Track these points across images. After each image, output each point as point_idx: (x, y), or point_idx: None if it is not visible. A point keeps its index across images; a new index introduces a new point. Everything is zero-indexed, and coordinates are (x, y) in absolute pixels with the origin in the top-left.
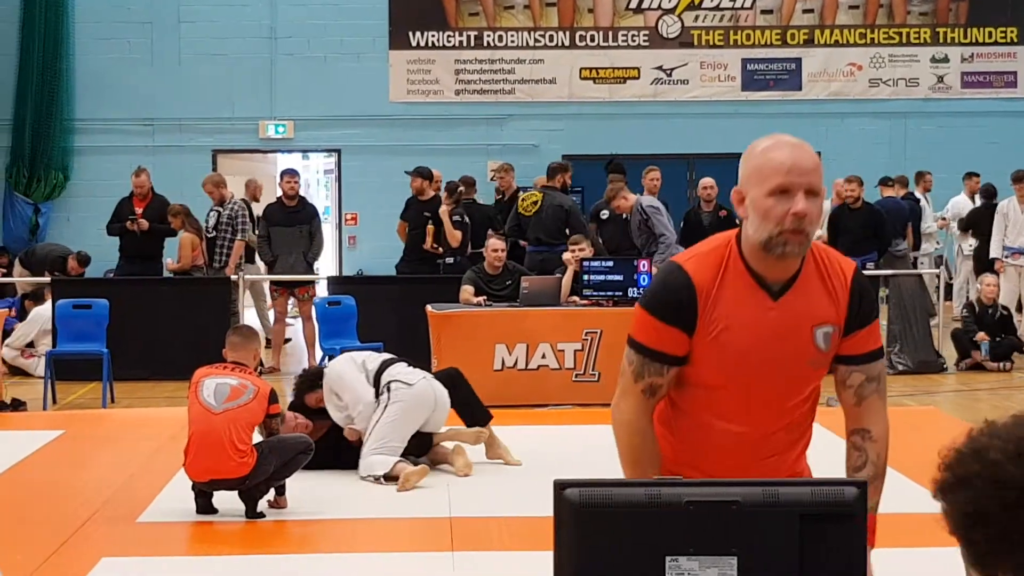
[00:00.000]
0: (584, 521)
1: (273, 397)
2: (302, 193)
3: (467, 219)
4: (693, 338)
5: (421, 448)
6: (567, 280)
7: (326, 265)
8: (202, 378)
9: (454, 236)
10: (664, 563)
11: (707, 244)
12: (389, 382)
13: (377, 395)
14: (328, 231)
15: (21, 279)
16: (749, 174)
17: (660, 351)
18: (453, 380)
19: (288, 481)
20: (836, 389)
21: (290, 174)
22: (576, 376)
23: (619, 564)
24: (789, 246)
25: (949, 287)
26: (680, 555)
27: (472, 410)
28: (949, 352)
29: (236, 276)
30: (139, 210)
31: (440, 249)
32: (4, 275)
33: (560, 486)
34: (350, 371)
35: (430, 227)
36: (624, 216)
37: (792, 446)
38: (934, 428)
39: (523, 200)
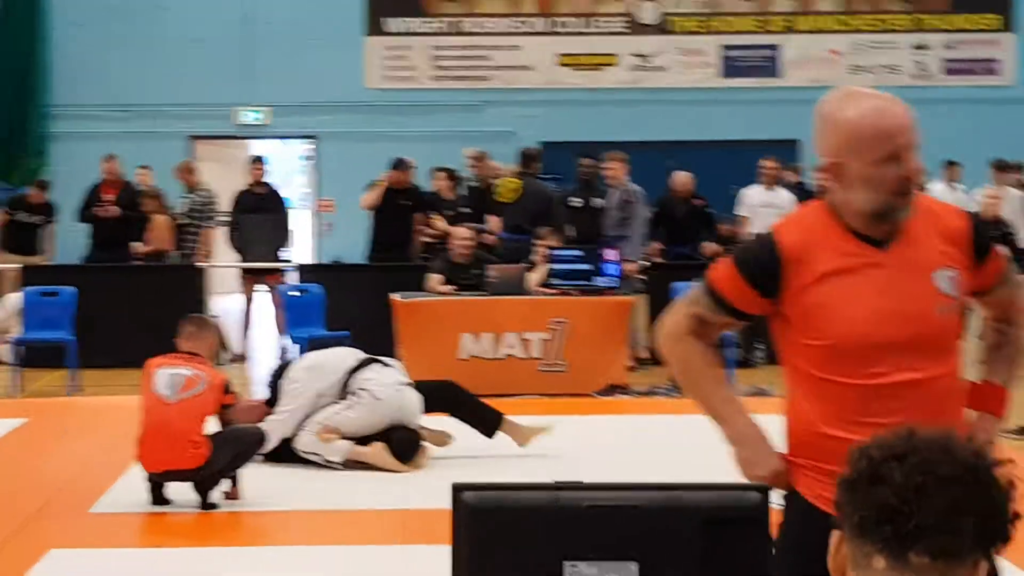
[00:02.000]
0: (482, 524)
1: (227, 387)
2: (280, 180)
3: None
4: (784, 299)
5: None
6: (538, 276)
7: (302, 252)
8: (155, 368)
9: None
10: (562, 568)
11: (799, 211)
12: (358, 388)
13: (343, 396)
14: (305, 218)
15: None
16: (842, 143)
17: (723, 296)
18: (455, 398)
19: (243, 472)
20: (994, 312)
21: (257, 161)
22: (542, 366)
23: (517, 568)
24: (901, 211)
25: None
26: (579, 559)
27: (481, 417)
28: None
29: (204, 264)
30: (109, 197)
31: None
32: None
33: (458, 488)
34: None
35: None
36: (599, 206)
37: (940, 416)
38: None
39: (501, 186)
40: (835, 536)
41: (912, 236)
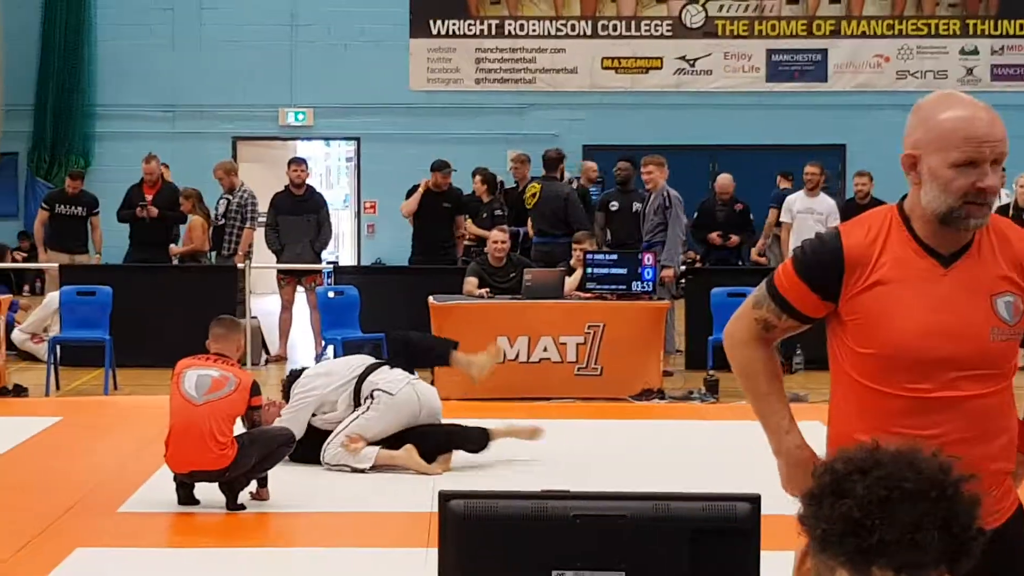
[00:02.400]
0: (469, 533)
1: (255, 389)
2: (322, 181)
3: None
4: (841, 302)
5: (439, 447)
6: (574, 280)
7: (345, 254)
8: (184, 369)
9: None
10: None
11: (868, 213)
12: (372, 391)
13: (358, 403)
14: (347, 219)
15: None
16: (929, 140)
17: (786, 299)
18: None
19: (271, 473)
20: None
21: (297, 163)
22: (578, 370)
23: None
24: (973, 219)
25: None
26: (567, 569)
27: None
28: None
29: (243, 265)
30: (149, 197)
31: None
32: (26, 259)
33: (445, 497)
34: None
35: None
36: (634, 208)
37: (981, 436)
38: None
39: (525, 192)
40: (800, 549)
41: (978, 256)
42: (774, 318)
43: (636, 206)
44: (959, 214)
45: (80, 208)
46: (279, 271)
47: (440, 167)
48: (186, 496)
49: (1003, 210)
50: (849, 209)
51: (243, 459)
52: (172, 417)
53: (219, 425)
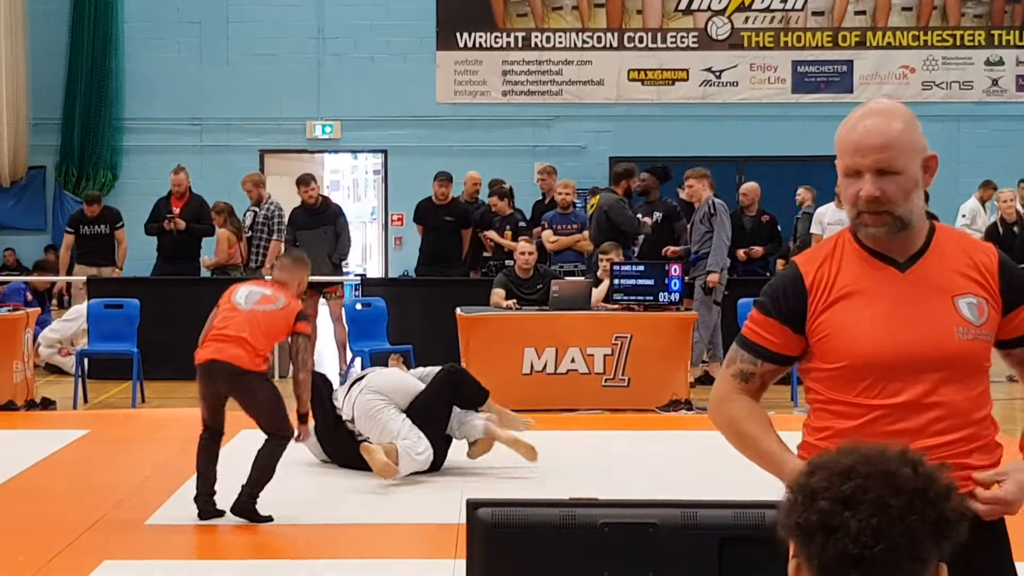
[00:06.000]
0: (497, 541)
1: (302, 316)
2: (349, 194)
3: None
4: (808, 326)
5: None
6: (601, 290)
7: (373, 266)
8: (237, 287)
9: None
10: None
11: (822, 242)
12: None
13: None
14: (375, 232)
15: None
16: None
17: (755, 343)
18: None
19: (297, 485)
20: (1017, 372)
21: (304, 182)
22: (606, 381)
23: None
24: (870, 228)
25: None
26: None
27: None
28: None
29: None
30: (176, 209)
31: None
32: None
33: (473, 505)
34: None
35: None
36: (656, 219)
37: (957, 440)
38: None
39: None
40: (792, 565)
41: (937, 258)
42: (749, 366)
43: (656, 215)
44: (858, 223)
45: (103, 226)
46: None
47: (439, 176)
48: (205, 508)
49: (992, 228)
50: None
51: (258, 387)
52: (212, 321)
53: (258, 331)
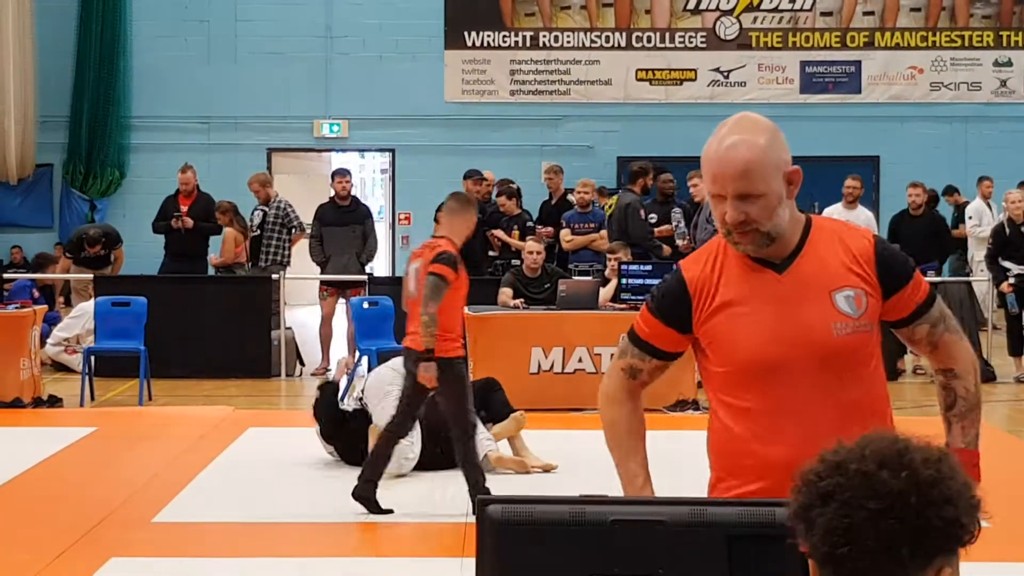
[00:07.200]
0: (507, 538)
1: (441, 258)
2: (356, 193)
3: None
4: (695, 330)
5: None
6: (608, 290)
7: (380, 265)
8: (412, 260)
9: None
10: None
11: (704, 246)
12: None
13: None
14: (382, 231)
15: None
16: None
17: (645, 341)
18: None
19: (305, 482)
20: (910, 347)
21: (341, 174)
22: None
23: None
24: (740, 245)
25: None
26: (604, 574)
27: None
28: (1000, 361)
29: (277, 276)
30: (184, 208)
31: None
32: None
33: (482, 502)
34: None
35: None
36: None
37: (852, 426)
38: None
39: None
40: (812, 568)
41: (811, 256)
42: (639, 362)
43: (652, 218)
44: (730, 240)
45: (103, 250)
46: (322, 283)
47: (471, 175)
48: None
49: (999, 228)
50: (902, 220)
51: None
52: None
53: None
